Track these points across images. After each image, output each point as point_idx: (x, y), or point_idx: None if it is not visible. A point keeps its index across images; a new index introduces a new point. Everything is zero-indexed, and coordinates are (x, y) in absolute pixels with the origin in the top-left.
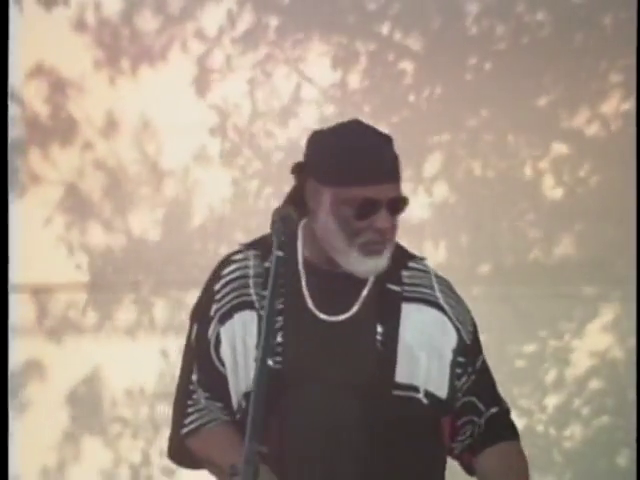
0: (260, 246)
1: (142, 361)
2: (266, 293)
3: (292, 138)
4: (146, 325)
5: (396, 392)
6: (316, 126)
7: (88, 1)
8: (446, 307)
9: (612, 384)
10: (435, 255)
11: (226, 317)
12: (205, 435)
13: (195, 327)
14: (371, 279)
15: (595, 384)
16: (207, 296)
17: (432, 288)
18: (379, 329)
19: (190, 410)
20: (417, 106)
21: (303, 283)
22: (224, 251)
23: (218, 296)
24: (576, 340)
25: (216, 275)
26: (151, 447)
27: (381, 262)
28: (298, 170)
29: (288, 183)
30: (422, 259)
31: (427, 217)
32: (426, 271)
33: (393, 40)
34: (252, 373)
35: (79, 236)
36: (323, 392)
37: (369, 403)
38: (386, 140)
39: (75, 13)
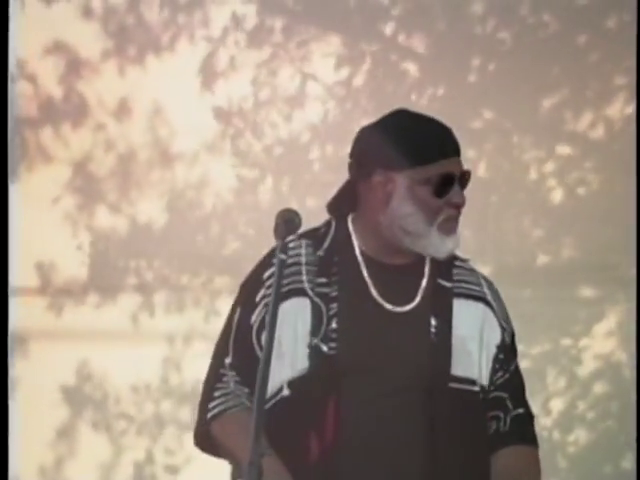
0: (312, 236)
1: (146, 356)
2: (320, 280)
3: (295, 133)
4: (148, 310)
5: (453, 385)
6: (320, 123)
7: None
8: (493, 303)
9: (617, 387)
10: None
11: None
12: (226, 420)
13: (238, 311)
14: (427, 273)
15: (600, 387)
16: (255, 282)
17: (480, 285)
18: (433, 322)
19: (217, 394)
20: (420, 107)
21: (365, 272)
22: (229, 240)
23: (268, 283)
24: (580, 343)
25: (268, 262)
26: (155, 445)
27: (457, 241)
28: (355, 167)
29: (292, 176)
30: (465, 259)
31: None
32: (473, 270)
33: (397, 41)
34: (301, 360)
35: (85, 217)
36: (380, 381)
37: (426, 395)
38: (437, 121)
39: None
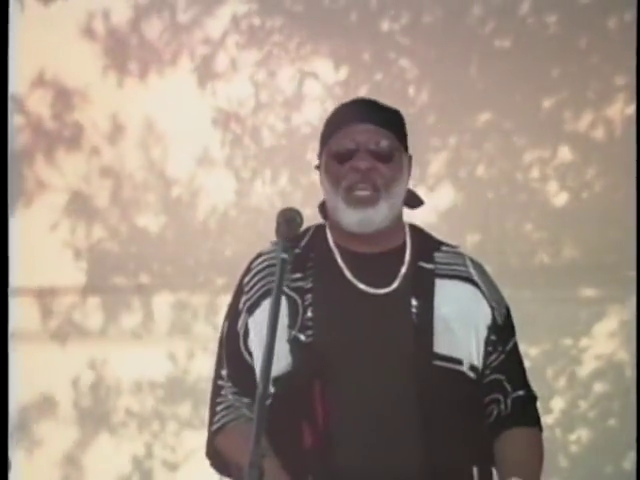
0: (292, 238)
1: (148, 363)
2: (295, 276)
3: (294, 134)
4: (151, 327)
5: (437, 362)
6: (319, 123)
7: (96, 9)
8: (480, 284)
9: (618, 387)
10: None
11: (254, 306)
12: (227, 432)
13: (226, 324)
14: (407, 258)
15: (601, 387)
16: (237, 291)
17: (466, 266)
18: (414, 302)
19: (218, 408)
20: (419, 106)
21: (339, 259)
22: (229, 252)
23: (247, 288)
24: (581, 343)
25: (246, 269)
26: (155, 441)
27: (373, 213)
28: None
29: (291, 177)
30: (455, 246)
31: (431, 219)
32: (460, 253)
33: (396, 40)
34: (285, 356)
35: (84, 241)
36: (363, 362)
37: (411, 373)
38: (379, 103)
39: (81, 20)
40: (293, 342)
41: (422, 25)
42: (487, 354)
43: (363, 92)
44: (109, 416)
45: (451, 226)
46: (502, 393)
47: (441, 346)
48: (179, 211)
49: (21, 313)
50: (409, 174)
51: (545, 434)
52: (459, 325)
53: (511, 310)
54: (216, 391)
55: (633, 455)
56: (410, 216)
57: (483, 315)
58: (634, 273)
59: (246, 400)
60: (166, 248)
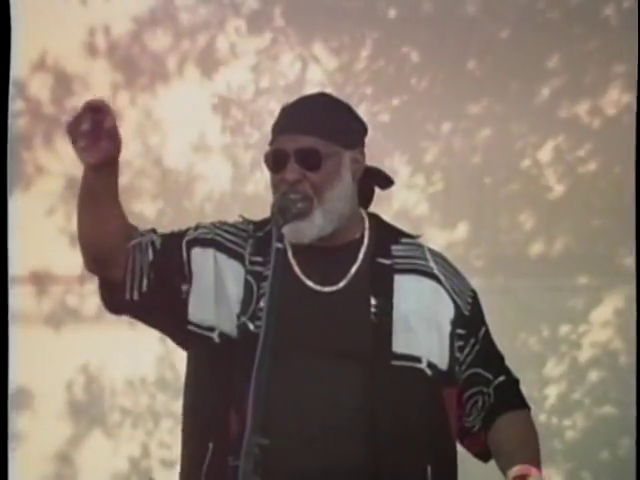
0: (260, 222)
1: (142, 350)
2: (256, 259)
3: None
4: None
5: (395, 362)
6: None
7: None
8: (441, 277)
9: (614, 374)
10: (434, 246)
11: (199, 243)
12: None
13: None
14: (361, 256)
15: (597, 375)
16: (179, 233)
17: (425, 259)
18: (373, 301)
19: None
20: (420, 92)
21: (290, 253)
22: None
23: (210, 226)
24: (577, 331)
25: (214, 221)
26: (151, 439)
27: (307, 226)
28: None
29: None
30: (415, 236)
31: (424, 208)
32: (419, 245)
33: (397, 26)
34: (231, 327)
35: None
36: (314, 360)
37: (367, 374)
38: (321, 101)
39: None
40: (241, 327)
41: (422, 12)
42: (458, 349)
43: (364, 78)
44: (103, 411)
45: (445, 215)
46: (484, 383)
47: (400, 345)
48: (176, 198)
49: (17, 298)
50: (357, 170)
51: (541, 420)
52: (419, 322)
53: (506, 299)
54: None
55: (628, 441)
56: (404, 205)
57: (446, 310)
58: (629, 261)
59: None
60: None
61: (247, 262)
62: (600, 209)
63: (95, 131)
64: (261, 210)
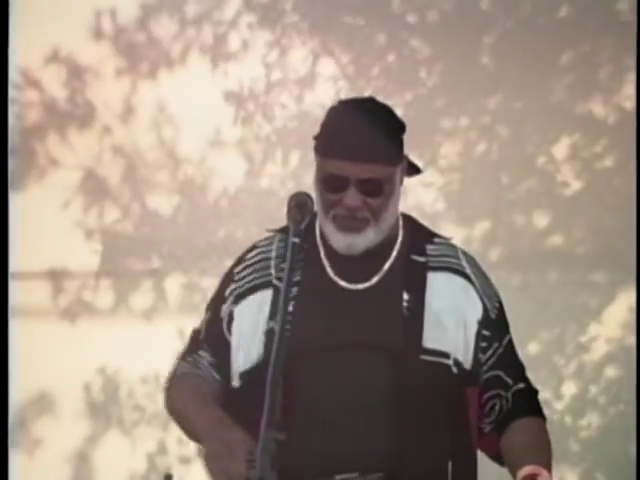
0: (287, 229)
1: (158, 345)
2: (285, 265)
3: (306, 113)
4: (162, 309)
5: (424, 357)
6: (331, 103)
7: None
8: (472, 277)
9: (629, 371)
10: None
11: (241, 297)
12: (185, 387)
13: (209, 313)
14: (394, 254)
15: (611, 372)
16: (225, 279)
17: (458, 258)
18: (405, 296)
19: (189, 359)
20: (430, 86)
21: (322, 253)
22: (240, 235)
23: (237, 277)
24: (592, 327)
25: (239, 259)
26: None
27: (358, 240)
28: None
29: (303, 157)
30: (448, 238)
31: (442, 204)
32: (452, 245)
33: (408, 19)
34: (257, 348)
35: (96, 219)
36: (343, 354)
37: (396, 367)
38: (383, 119)
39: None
40: (269, 334)
41: (434, 6)
42: (482, 349)
43: (375, 72)
44: (120, 404)
45: (461, 211)
46: (503, 387)
47: (430, 340)
48: (190, 192)
49: (30, 292)
50: (403, 178)
51: (555, 419)
52: (449, 318)
53: (521, 294)
54: (190, 350)
55: None
56: (420, 202)
57: (474, 309)
58: None
59: (218, 377)
60: (177, 229)
61: (275, 279)
62: (616, 205)
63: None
64: (274, 204)
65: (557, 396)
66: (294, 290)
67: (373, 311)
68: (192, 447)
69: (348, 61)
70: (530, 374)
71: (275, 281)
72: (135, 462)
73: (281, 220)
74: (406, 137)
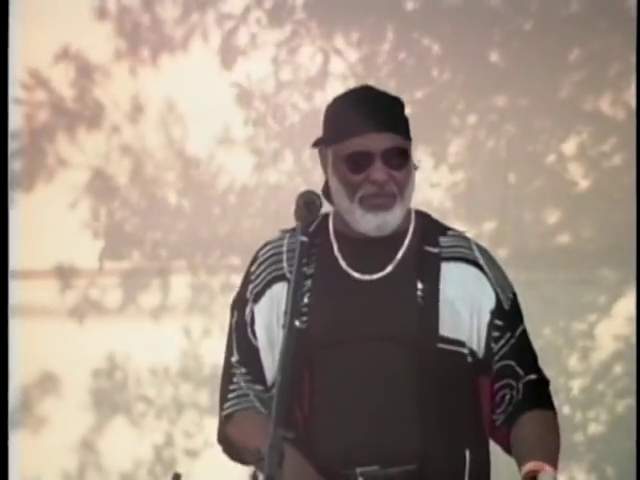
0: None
1: (166, 342)
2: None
3: (316, 112)
4: (170, 307)
5: (441, 345)
6: None
7: None
8: (485, 267)
9: (636, 367)
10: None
11: (259, 295)
12: (239, 421)
13: (235, 313)
14: (406, 242)
15: (619, 367)
16: (245, 280)
17: (471, 249)
18: (419, 285)
19: (230, 395)
20: (441, 84)
21: (335, 247)
22: (248, 233)
23: (253, 277)
24: (600, 324)
25: (253, 258)
26: (175, 428)
27: (388, 218)
28: (317, 143)
29: (312, 154)
30: (462, 231)
31: (450, 201)
32: (465, 237)
33: (418, 18)
34: (276, 345)
35: (104, 219)
36: (359, 348)
37: (414, 356)
38: (388, 98)
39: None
40: (286, 326)
41: (443, 4)
42: (494, 339)
43: (385, 71)
44: (127, 401)
45: (468, 208)
46: (514, 377)
47: (446, 329)
48: (198, 191)
49: (38, 290)
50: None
51: (564, 413)
52: (463, 307)
53: (529, 291)
54: (228, 378)
55: None
56: (428, 200)
57: (487, 299)
58: None
59: (258, 387)
60: (185, 227)
61: (288, 272)
62: (623, 203)
63: None
64: (283, 202)
65: (565, 390)
66: (308, 283)
67: (388, 301)
68: (199, 440)
69: (357, 59)
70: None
71: (289, 275)
72: (141, 454)
73: (288, 217)
74: (415, 134)
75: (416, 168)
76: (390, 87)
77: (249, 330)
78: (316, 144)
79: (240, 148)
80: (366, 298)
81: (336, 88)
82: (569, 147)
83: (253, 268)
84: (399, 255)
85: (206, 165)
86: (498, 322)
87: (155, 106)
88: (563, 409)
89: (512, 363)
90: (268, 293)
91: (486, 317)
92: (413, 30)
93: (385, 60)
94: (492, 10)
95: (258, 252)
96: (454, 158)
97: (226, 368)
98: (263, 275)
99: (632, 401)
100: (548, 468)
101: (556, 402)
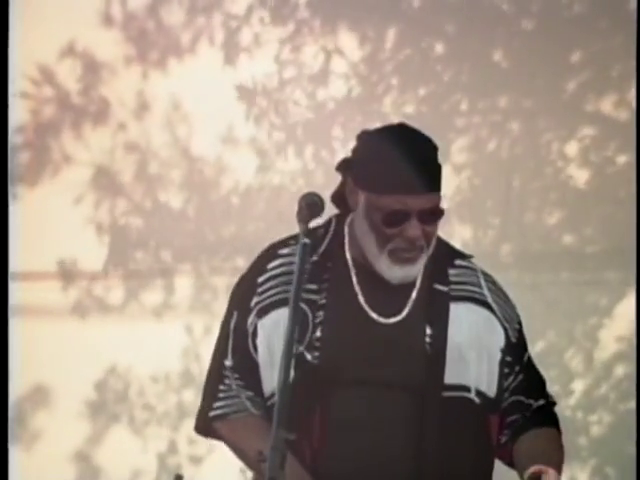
0: (310, 238)
1: (167, 341)
2: (310, 287)
3: (319, 111)
4: (173, 308)
5: (446, 394)
6: (343, 100)
7: None
8: (494, 306)
9: (639, 369)
10: (460, 240)
11: (264, 312)
12: (233, 423)
13: (235, 315)
14: (419, 280)
15: (622, 369)
16: (249, 287)
17: (480, 286)
18: (428, 331)
19: (221, 395)
20: (444, 84)
21: (354, 280)
22: (251, 232)
23: (260, 289)
24: (603, 325)
25: (261, 268)
26: (178, 434)
27: (413, 270)
28: (343, 167)
29: (315, 155)
30: (469, 257)
31: (453, 202)
32: (473, 269)
33: (421, 17)
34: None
35: (108, 216)
36: (369, 391)
37: (418, 405)
38: (427, 148)
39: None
40: (299, 359)
41: (447, 3)
42: (504, 376)
43: (388, 69)
44: (129, 401)
45: (471, 209)
46: (524, 410)
47: (452, 376)
48: (202, 189)
49: (40, 288)
50: None
51: (566, 415)
52: (471, 352)
53: (532, 293)
54: (218, 378)
55: None
56: None
57: (497, 339)
58: None
59: (250, 393)
60: (188, 226)
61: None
62: (627, 204)
63: None
64: (286, 202)
65: (567, 393)
66: (320, 314)
67: (399, 346)
68: (202, 446)
69: (360, 58)
70: (540, 371)
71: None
72: (145, 461)
73: (292, 219)
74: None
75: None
76: (392, 86)
77: (250, 342)
78: (341, 169)
79: (244, 147)
80: (380, 340)
81: (339, 87)
82: (572, 148)
83: (261, 280)
84: (413, 295)
85: (211, 165)
86: (508, 358)
87: (160, 104)
88: (565, 411)
89: (522, 398)
90: (273, 314)
91: (497, 356)
92: (416, 29)
93: (387, 58)
94: (495, 10)
95: (267, 263)
96: (456, 158)
97: (217, 368)
98: (271, 292)
99: (635, 403)
100: (552, 471)
101: (557, 402)
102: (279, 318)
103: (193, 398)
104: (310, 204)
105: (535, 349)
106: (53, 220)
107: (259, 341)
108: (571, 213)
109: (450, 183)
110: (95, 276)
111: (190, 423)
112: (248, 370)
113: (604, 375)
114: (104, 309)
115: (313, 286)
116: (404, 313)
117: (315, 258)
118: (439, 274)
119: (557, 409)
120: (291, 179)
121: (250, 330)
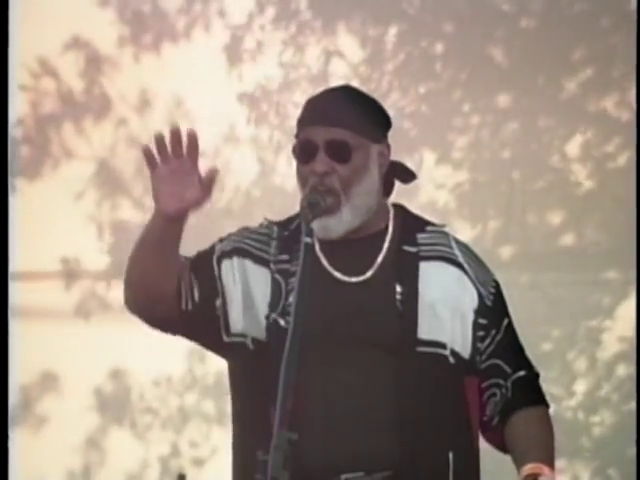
0: (285, 221)
1: (170, 344)
2: (282, 257)
3: None
4: None
5: (420, 348)
6: None
7: None
8: (465, 266)
9: (636, 369)
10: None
11: (239, 252)
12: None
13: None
14: (386, 245)
15: (624, 370)
16: (225, 237)
17: (450, 247)
18: (398, 289)
19: None
20: (444, 84)
21: (317, 247)
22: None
23: (233, 235)
24: (605, 325)
25: (240, 229)
26: (180, 437)
27: (334, 222)
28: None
29: None
30: (441, 225)
31: (453, 201)
32: (444, 233)
33: (422, 18)
34: (259, 329)
35: (109, 213)
36: (341, 349)
37: (393, 359)
38: (351, 94)
39: None
40: (272, 324)
41: (447, 3)
42: (479, 339)
43: (389, 69)
44: (131, 403)
45: (472, 209)
46: (501, 376)
47: (425, 331)
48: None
49: (41, 287)
50: (383, 164)
51: (568, 416)
52: (444, 309)
53: (534, 292)
54: None
55: None
56: (432, 200)
57: (469, 299)
58: None
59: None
60: (189, 224)
61: (272, 263)
62: (628, 203)
63: (181, 174)
64: (288, 202)
65: (569, 393)
66: (291, 281)
67: (368, 304)
68: (205, 449)
69: (361, 59)
70: (542, 372)
71: (272, 265)
72: (147, 464)
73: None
74: (418, 134)
75: (415, 178)
76: (392, 87)
77: (215, 261)
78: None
79: (245, 146)
80: (347, 299)
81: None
82: (573, 147)
83: (235, 231)
84: (379, 259)
85: (212, 162)
86: (482, 321)
87: (162, 100)
88: (568, 409)
89: (499, 362)
90: (250, 265)
91: (470, 317)
92: (416, 29)
93: (388, 59)
94: (495, 9)
95: (245, 228)
96: (457, 158)
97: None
98: (242, 240)
99: (636, 403)
100: (547, 470)
101: (560, 403)
102: (252, 270)
103: (196, 400)
104: (312, 203)
105: (536, 349)
106: (54, 216)
107: (229, 275)
108: (572, 213)
109: (451, 183)
110: (97, 276)
111: (193, 425)
112: (206, 275)
113: (606, 376)
114: (107, 309)
115: (285, 256)
116: (368, 274)
117: (286, 233)
118: (407, 237)
119: (559, 410)
120: (292, 179)
121: (216, 271)
